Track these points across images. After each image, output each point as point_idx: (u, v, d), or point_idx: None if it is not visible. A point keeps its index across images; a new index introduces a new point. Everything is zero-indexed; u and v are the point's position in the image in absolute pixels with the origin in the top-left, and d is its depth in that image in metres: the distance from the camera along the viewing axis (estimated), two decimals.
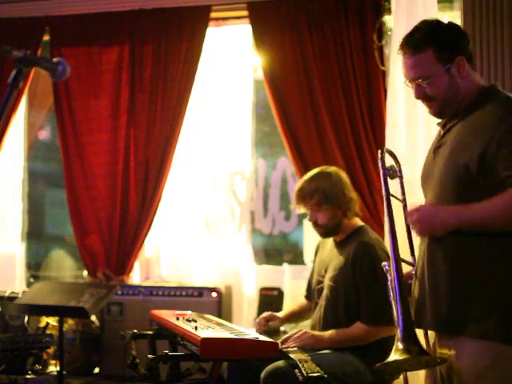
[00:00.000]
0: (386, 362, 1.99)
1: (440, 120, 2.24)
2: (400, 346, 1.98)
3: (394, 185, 2.35)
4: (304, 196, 3.10)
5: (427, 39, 2.09)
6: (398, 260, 2.13)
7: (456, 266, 2.03)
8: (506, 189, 1.93)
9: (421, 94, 2.14)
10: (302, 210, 3.18)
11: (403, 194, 2.28)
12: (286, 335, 2.96)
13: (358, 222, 3.19)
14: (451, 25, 2.20)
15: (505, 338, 1.94)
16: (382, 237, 3.49)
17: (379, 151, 2.32)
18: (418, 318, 2.13)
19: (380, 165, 2.29)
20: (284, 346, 2.84)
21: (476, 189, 2.01)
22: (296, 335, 2.90)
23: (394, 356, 1.98)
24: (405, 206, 2.24)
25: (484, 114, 2.05)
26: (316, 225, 3.15)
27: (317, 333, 2.97)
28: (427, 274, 2.11)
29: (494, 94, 2.11)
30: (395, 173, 2.32)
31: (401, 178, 2.34)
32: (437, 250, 2.08)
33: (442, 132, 2.21)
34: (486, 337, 1.95)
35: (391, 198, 2.25)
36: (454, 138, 2.10)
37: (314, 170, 3.20)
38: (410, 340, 1.99)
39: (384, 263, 2.25)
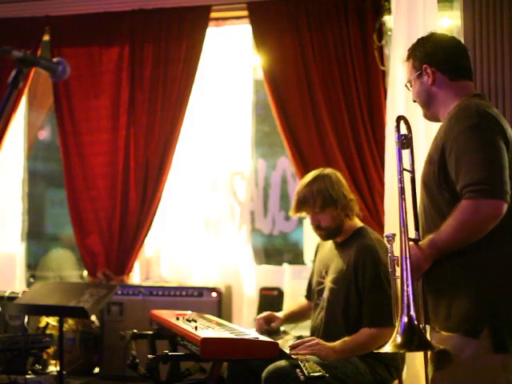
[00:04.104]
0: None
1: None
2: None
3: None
4: (306, 200, 3.06)
5: (411, 50, 2.44)
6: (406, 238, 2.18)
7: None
8: (459, 201, 2.10)
9: (413, 98, 2.45)
10: (303, 215, 3.14)
11: (413, 165, 2.32)
12: (298, 341, 2.84)
13: (358, 222, 3.18)
14: (433, 38, 2.42)
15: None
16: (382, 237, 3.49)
17: (396, 118, 2.35)
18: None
19: (395, 132, 2.32)
20: (293, 352, 2.74)
21: (442, 191, 2.19)
22: (308, 343, 2.80)
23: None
24: (413, 179, 2.31)
25: (446, 120, 2.26)
26: (319, 228, 3.11)
27: (328, 344, 2.83)
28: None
29: (462, 102, 2.27)
30: (408, 141, 2.33)
31: (412, 148, 2.36)
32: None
33: None
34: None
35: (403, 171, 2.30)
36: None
37: (310, 174, 3.16)
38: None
39: (387, 234, 2.30)
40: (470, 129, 2.12)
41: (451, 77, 2.33)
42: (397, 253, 2.23)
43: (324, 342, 2.86)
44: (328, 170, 3.17)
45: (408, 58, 2.44)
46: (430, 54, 2.36)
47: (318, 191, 3.04)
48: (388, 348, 2.07)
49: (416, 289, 2.12)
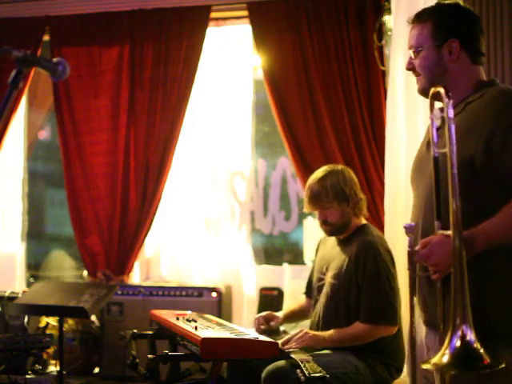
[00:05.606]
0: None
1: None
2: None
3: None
4: (319, 195, 3.03)
5: (430, 13, 2.15)
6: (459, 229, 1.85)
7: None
8: (506, 190, 1.92)
9: (410, 65, 2.20)
10: (313, 209, 3.10)
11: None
12: (287, 336, 2.94)
13: (362, 220, 3.18)
14: (463, 10, 2.19)
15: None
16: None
17: (440, 90, 1.99)
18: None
19: (450, 107, 1.94)
20: (286, 347, 2.82)
21: (479, 181, 1.96)
22: (297, 336, 2.89)
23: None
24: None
25: (485, 103, 2.03)
26: (325, 223, 3.09)
27: (317, 333, 2.96)
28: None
29: (493, 85, 2.11)
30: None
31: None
32: None
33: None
34: None
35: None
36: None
37: (323, 169, 3.13)
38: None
39: (406, 224, 2.06)
40: None
41: (474, 60, 2.13)
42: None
43: (312, 331, 2.91)
44: (341, 166, 3.18)
45: (425, 20, 2.14)
46: (463, 29, 2.12)
47: (332, 186, 3.02)
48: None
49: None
